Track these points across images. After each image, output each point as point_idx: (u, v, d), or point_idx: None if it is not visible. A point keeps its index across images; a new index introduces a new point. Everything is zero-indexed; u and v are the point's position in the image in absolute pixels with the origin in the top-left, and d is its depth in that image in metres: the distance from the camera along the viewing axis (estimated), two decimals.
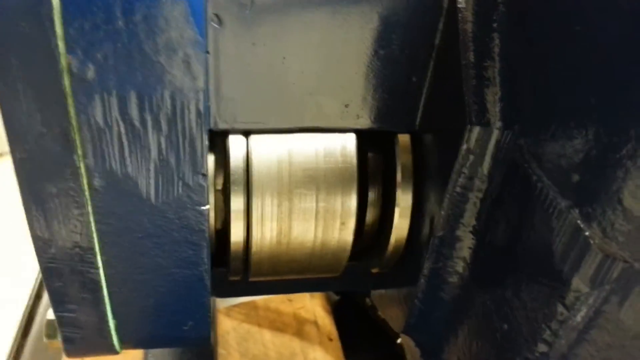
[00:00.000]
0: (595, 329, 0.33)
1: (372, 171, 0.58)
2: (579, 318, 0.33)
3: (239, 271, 0.59)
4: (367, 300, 1.16)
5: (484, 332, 0.44)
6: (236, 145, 0.52)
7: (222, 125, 0.51)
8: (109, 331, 0.54)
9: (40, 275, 1.31)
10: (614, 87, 0.31)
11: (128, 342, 0.56)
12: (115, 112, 0.41)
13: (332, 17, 0.47)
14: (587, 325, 0.33)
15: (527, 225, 0.38)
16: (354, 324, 1.14)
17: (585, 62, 0.34)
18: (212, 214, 0.53)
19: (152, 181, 0.44)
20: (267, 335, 1.10)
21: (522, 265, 0.39)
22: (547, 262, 0.35)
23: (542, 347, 0.36)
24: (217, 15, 0.46)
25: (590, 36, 0.33)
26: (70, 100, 0.40)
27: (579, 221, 0.32)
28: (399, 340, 0.65)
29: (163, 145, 0.43)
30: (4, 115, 0.41)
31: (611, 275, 0.31)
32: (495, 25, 0.42)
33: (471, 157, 0.44)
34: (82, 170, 0.43)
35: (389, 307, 0.68)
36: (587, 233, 0.31)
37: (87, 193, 0.44)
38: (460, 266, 0.48)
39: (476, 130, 0.43)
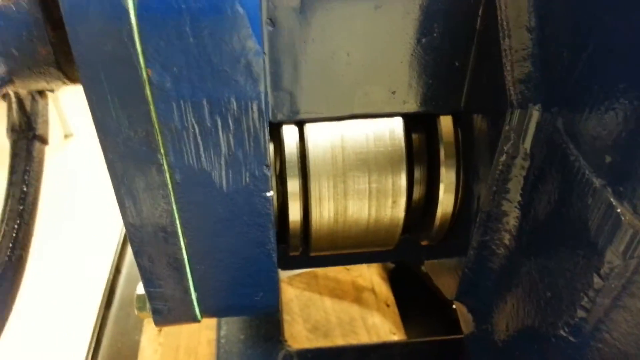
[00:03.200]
0: (628, 296, 0.36)
1: (417, 151, 0.62)
2: (612, 286, 0.36)
3: (297, 247, 0.65)
4: (422, 267, 1.19)
5: (530, 299, 0.47)
6: (289, 134, 0.58)
7: (279, 117, 0.56)
8: (191, 303, 0.61)
9: (119, 251, 1.43)
10: None
11: (208, 311, 0.63)
12: (190, 116, 0.47)
13: (375, 11, 0.50)
14: (620, 293, 0.36)
15: (567, 201, 0.41)
16: (410, 290, 1.19)
17: (616, 46, 0.35)
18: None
19: (223, 173, 0.50)
20: (328, 302, 1.16)
21: (562, 238, 0.42)
22: (584, 235, 0.38)
23: (580, 313, 0.39)
24: (270, 20, 0.50)
25: (622, 20, 0.35)
26: (152, 107, 0.46)
27: (612, 199, 0.35)
28: (453, 306, 0.69)
29: (231, 142, 0.48)
30: (97, 123, 0.47)
31: None
32: (533, 9, 0.44)
33: (513, 137, 0.46)
34: (165, 166, 0.49)
35: (442, 275, 0.72)
36: (618, 210, 0.34)
37: (170, 186, 0.51)
38: (506, 238, 0.51)
39: (517, 112, 0.45)
